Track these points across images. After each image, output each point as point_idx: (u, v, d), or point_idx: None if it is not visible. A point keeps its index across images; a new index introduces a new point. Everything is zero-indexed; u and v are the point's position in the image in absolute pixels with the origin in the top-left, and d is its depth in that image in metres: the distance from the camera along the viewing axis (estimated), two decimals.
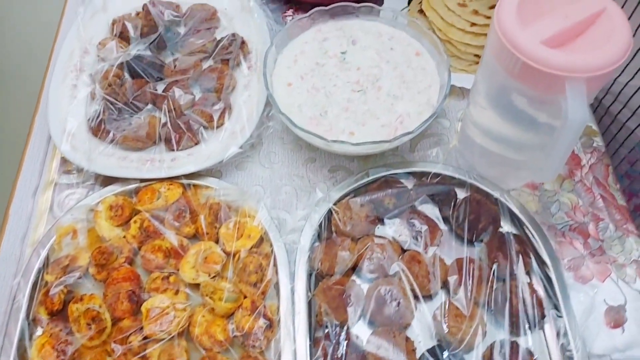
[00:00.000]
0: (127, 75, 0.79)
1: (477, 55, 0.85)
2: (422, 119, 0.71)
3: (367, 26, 0.81)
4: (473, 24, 0.84)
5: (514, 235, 0.68)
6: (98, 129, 0.75)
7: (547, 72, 0.54)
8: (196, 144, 0.76)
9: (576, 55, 0.54)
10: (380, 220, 0.70)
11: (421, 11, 0.90)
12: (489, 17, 0.84)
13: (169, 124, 0.75)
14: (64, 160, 0.76)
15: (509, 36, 0.55)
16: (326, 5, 0.94)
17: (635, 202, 0.95)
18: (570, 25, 0.56)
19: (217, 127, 0.77)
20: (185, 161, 0.73)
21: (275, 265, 0.66)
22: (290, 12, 0.94)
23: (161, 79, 0.82)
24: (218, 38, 0.85)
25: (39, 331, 0.63)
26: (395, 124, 0.71)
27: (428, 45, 0.78)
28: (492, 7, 0.85)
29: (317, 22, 0.81)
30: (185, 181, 0.72)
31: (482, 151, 0.71)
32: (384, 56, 0.78)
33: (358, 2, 0.79)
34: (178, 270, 0.66)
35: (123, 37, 0.85)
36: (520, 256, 0.66)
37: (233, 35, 0.84)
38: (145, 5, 0.87)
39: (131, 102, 0.77)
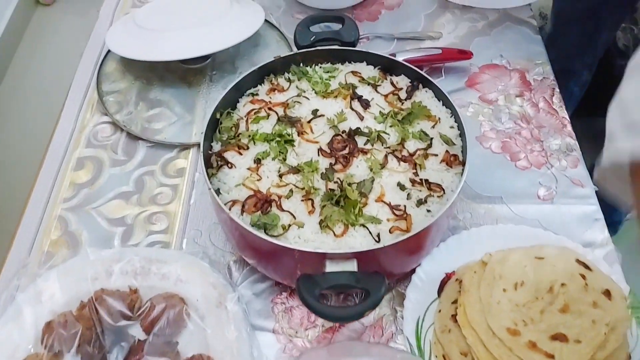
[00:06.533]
0: None
1: None
2: None
3: None
4: None
5: None
6: None
7: None
8: None
9: None
10: None
11: (455, 317, 0.68)
12: (551, 356, 0.61)
13: None
14: None
15: None
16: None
17: None
18: None
19: None
20: None
21: None
22: (284, 295, 0.73)
23: None
24: (182, 356, 0.64)
25: None
26: None
27: None
28: (556, 337, 0.62)
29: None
30: None
31: None
32: None
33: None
34: None
35: (55, 351, 0.64)
36: None
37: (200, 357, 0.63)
38: (90, 300, 0.67)
39: None
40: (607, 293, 0.66)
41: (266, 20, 0.99)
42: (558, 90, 0.95)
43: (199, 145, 0.86)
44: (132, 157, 0.85)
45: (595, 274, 0.68)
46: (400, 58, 0.93)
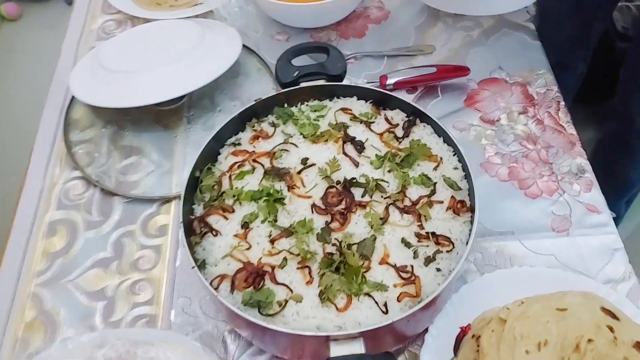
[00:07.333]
0: None
1: None
2: None
3: None
4: None
5: None
6: None
7: None
8: None
9: None
10: None
11: None
12: None
13: None
14: None
15: None
16: None
17: None
18: None
19: None
20: None
21: None
22: None
23: None
24: None
25: None
26: None
27: None
28: None
29: None
30: None
31: None
32: None
33: None
34: None
35: None
36: None
37: None
38: None
39: None
40: (638, 346, 0.60)
41: (244, 46, 0.91)
42: (563, 103, 0.88)
43: (180, 197, 0.79)
44: (108, 217, 0.78)
45: (623, 324, 0.62)
46: (392, 80, 0.88)
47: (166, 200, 0.79)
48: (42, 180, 0.82)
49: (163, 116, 0.87)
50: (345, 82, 0.80)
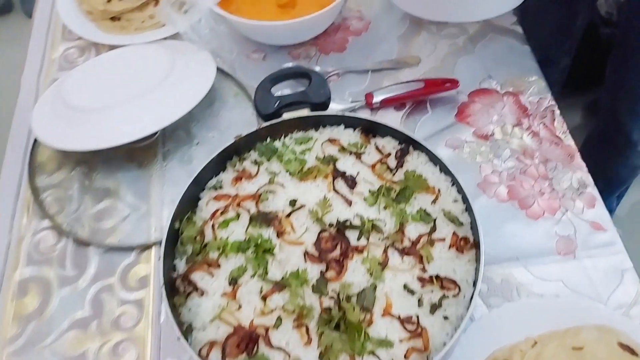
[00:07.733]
0: None
1: None
2: None
3: None
4: None
5: None
6: None
7: None
8: None
9: None
10: None
11: None
12: None
13: None
14: None
15: None
16: None
17: None
18: None
19: None
20: None
21: None
22: None
23: None
24: None
25: None
26: None
27: None
28: None
29: None
30: None
31: None
32: None
33: None
34: None
35: None
36: None
37: None
38: None
39: None
40: None
41: (219, 69, 0.85)
42: (559, 112, 0.84)
43: (160, 243, 0.73)
44: (84, 271, 0.72)
45: None
46: (378, 98, 0.82)
47: (145, 247, 0.74)
48: (9, 233, 0.75)
49: (136, 153, 0.80)
50: (331, 106, 0.75)
